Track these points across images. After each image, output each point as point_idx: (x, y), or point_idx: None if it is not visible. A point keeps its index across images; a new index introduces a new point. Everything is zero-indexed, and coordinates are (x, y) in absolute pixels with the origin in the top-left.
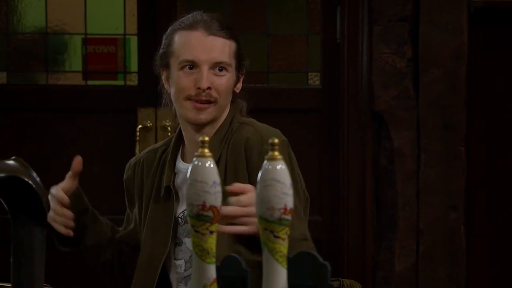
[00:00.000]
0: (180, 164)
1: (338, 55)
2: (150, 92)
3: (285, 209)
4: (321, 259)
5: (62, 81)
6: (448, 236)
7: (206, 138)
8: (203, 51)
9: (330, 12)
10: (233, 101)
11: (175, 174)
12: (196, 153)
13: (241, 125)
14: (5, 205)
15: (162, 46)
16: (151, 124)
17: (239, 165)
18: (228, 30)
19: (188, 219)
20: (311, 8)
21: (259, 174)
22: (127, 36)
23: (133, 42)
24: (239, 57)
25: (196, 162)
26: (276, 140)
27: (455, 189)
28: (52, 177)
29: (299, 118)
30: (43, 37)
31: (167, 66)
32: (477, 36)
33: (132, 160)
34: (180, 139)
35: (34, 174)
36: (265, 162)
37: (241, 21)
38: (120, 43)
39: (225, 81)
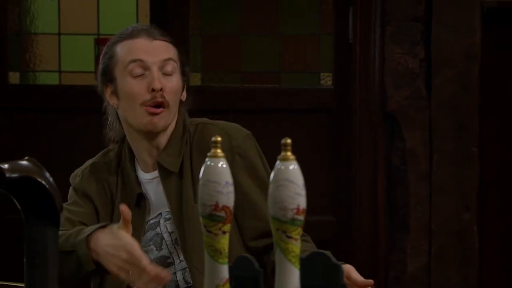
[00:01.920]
0: (141, 174)
1: (350, 55)
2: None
3: (298, 209)
4: (333, 259)
5: (75, 81)
6: (460, 237)
7: (219, 138)
8: (150, 54)
9: (342, 12)
10: (178, 109)
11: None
12: (208, 154)
13: (198, 126)
14: (18, 205)
15: (102, 63)
16: None
17: None
18: (169, 37)
19: (201, 219)
20: (324, 8)
21: (272, 174)
22: None
23: None
24: (182, 62)
25: (208, 163)
26: (289, 140)
27: (468, 189)
28: (66, 177)
29: (311, 119)
30: (56, 38)
31: (111, 80)
32: (490, 36)
33: (79, 170)
34: (130, 151)
35: (47, 175)
36: (278, 162)
37: (254, 21)
38: None
39: (175, 83)
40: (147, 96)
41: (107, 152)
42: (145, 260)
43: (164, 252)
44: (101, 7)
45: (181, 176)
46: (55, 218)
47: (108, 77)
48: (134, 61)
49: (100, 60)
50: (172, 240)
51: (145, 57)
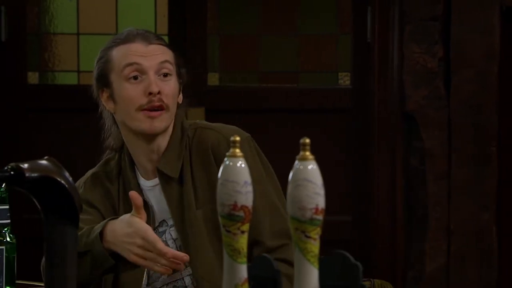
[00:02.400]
0: (142, 181)
1: (369, 55)
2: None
3: (317, 209)
4: (352, 259)
5: None
6: (479, 237)
7: (238, 138)
8: (146, 57)
9: (360, 12)
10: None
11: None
12: (227, 153)
13: (197, 130)
14: (37, 205)
15: (97, 68)
16: None
17: (210, 173)
18: (164, 40)
19: (220, 218)
20: (342, 8)
21: (290, 174)
22: None
23: None
24: (178, 65)
25: (227, 162)
26: (308, 140)
27: (487, 189)
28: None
29: (329, 118)
30: (74, 38)
31: (107, 85)
32: (509, 35)
33: (81, 181)
34: (129, 159)
35: (67, 174)
36: (296, 162)
37: (272, 21)
38: None
39: (172, 86)
40: (144, 100)
41: (108, 161)
42: (160, 243)
43: None
44: (119, 7)
45: (181, 182)
46: (74, 217)
47: (104, 81)
48: (130, 64)
49: (95, 64)
50: (176, 247)
51: (141, 61)
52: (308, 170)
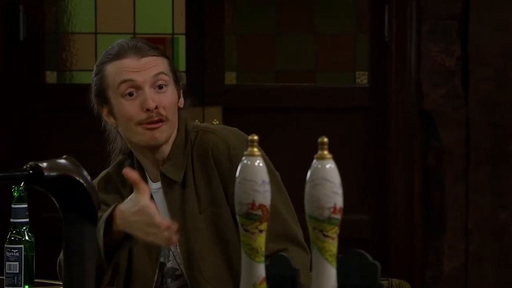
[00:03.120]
0: (149, 183)
1: (386, 54)
2: (198, 91)
3: (335, 208)
4: (371, 258)
5: None
6: (497, 236)
7: (256, 137)
8: (139, 73)
9: (378, 10)
10: (178, 115)
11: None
12: (245, 152)
13: (198, 133)
14: (56, 204)
15: (94, 85)
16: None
17: (211, 176)
18: (157, 49)
19: (238, 217)
20: (359, 7)
21: (308, 173)
22: (175, 36)
23: (181, 41)
24: (174, 71)
25: (245, 161)
26: (326, 139)
27: (505, 188)
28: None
29: (346, 117)
30: (92, 37)
31: (105, 101)
32: None
33: (95, 181)
34: (139, 162)
35: (86, 173)
36: (314, 161)
37: (289, 20)
38: (169, 42)
39: (169, 97)
40: (143, 116)
41: (121, 163)
42: (157, 217)
43: (173, 263)
44: (137, 6)
45: (184, 186)
46: (93, 216)
47: (102, 98)
48: (124, 82)
49: (93, 79)
50: (179, 251)
51: (135, 77)
52: (326, 169)
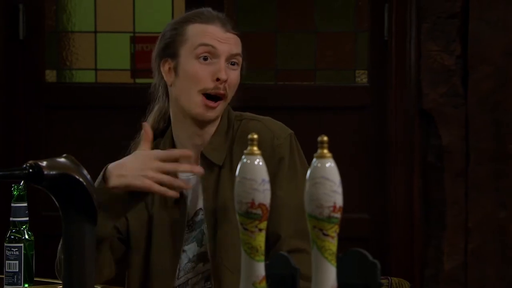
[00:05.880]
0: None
1: (386, 52)
2: None
3: (335, 207)
4: (370, 257)
5: (111, 79)
6: (497, 235)
7: (255, 136)
8: (221, 44)
9: (378, 9)
10: None
11: None
12: (245, 151)
13: (243, 121)
14: (56, 202)
15: (165, 38)
16: None
17: None
18: (239, 30)
19: (237, 216)
20: (359, 5)
21: (308, 172)
22: None
23: None
24: (243, 59)
25: (245, 160)
26: (325, 138)
27: (505, 187)
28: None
29: (346, 116)
30: (92, 36)
31: (172, 56)
32: None
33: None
34: (171, 141)
35: (85, 172)
36: (314, 159)
37: (289, 18)
38: None
39: (237, 75)
40: (210, 84)
41: (155, 145)
42: (175, 150)
43: (205, 248)
44: (137, 5)
45: (220, 171)
46: (92, 215)
47: (171, 52)
48: (205, 45)
49: (163, 35)
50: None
51: (216, 45)
52: (326, 168)
